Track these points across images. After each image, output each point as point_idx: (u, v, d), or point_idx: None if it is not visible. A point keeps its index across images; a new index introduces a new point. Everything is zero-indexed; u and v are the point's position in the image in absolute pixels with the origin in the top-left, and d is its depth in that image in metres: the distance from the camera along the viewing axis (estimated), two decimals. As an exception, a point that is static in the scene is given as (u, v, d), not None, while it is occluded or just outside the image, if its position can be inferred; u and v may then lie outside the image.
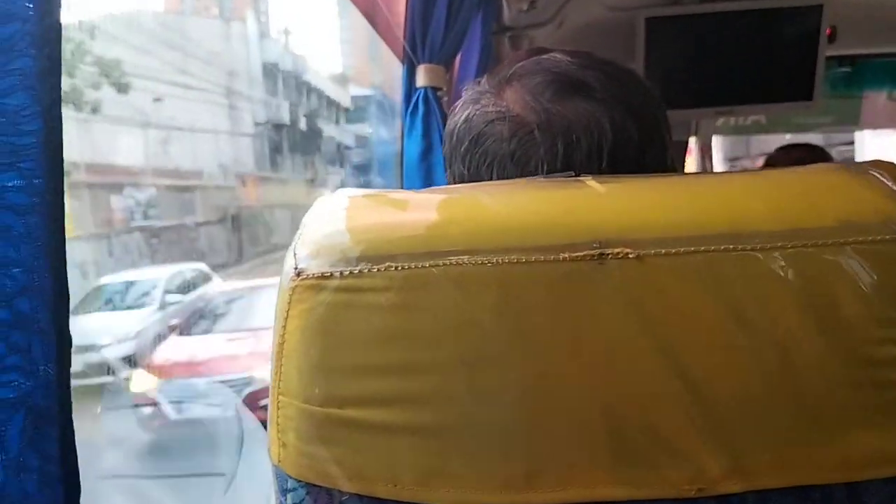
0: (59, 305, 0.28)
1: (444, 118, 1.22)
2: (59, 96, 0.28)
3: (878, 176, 0.41)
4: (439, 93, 1.24)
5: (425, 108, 1.19)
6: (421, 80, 1.21)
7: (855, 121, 2.33)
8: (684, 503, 0.38)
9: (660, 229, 0.38)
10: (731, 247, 0.38)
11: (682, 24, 1.67)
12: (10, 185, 0.26)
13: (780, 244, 0.38)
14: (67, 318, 0.28)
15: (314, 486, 0.41)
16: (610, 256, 0.38)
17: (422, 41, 1.18)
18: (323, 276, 0.40)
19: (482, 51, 1.52)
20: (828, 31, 1.62)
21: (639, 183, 0.44)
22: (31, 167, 0.26)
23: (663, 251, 0.38)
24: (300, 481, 0.41)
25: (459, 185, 0.53)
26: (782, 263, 0.38)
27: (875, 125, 2.37)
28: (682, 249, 0.38)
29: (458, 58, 1.45)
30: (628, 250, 0.38)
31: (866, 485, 0.39)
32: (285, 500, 0.42)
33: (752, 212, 0.39)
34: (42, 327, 0.27)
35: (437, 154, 1.19)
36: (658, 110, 0.54)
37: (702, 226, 0.38)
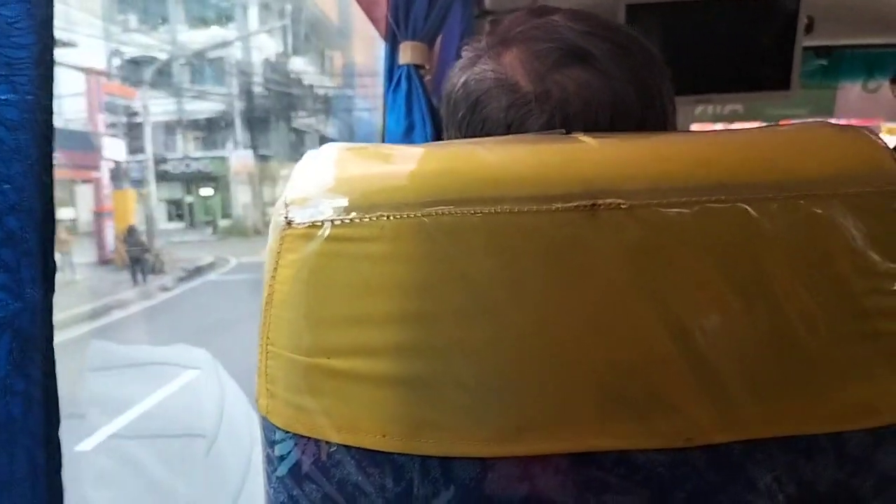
0: (45, 227, 0.27)
1: (427, 96, 1.22)
2: (52, 13, 0.27)
3: (867, 132, 0.41)
4: (422, 71, 1.23)
5: (408, 86, 1.18)
6: (404, 57, 1.20)
7: (829, 111, 2.37)
8: (672, 453, 0.39)
9: (652, 180, 0.38)
10: (722, 198, 0.38)
11: (662, 11, 1.68)
12: (2, 98, 0.25)
13: (770, 195, 0.38)
14: (53, 240, 0.27)
15: (302, 437, 0.40)
16: (602, 207, 0.38)
17: (405, 17, 1.17)
18: (313, 226, 0.39)
19: (463, 34, 1.52)
20: (805, 20, 1.65)
21: (631, 138, 0.44)
22: (24, 82, 0.25)
23: (655, 202, 0.38)
24: (288, 432, 0.40)
25: (451, 140, 0.53)
26: (772, 215, 0.38)
27: (849, 116, 2.42)
28: (673, 200, 0.38)
29: (439, 40, 1.44)
30: (620, 201, 0.38)
31: (850, 435, 0.39)
32: (272, 451, 0.41)
33: (743, 163, 0.39)
34: (29, 248, 0.26)
35: (418, 132, 1.19)
36: (661, 77, 0.53)
37: (693, 177, 0.38)
